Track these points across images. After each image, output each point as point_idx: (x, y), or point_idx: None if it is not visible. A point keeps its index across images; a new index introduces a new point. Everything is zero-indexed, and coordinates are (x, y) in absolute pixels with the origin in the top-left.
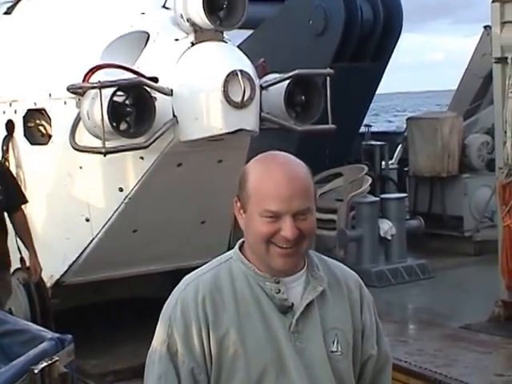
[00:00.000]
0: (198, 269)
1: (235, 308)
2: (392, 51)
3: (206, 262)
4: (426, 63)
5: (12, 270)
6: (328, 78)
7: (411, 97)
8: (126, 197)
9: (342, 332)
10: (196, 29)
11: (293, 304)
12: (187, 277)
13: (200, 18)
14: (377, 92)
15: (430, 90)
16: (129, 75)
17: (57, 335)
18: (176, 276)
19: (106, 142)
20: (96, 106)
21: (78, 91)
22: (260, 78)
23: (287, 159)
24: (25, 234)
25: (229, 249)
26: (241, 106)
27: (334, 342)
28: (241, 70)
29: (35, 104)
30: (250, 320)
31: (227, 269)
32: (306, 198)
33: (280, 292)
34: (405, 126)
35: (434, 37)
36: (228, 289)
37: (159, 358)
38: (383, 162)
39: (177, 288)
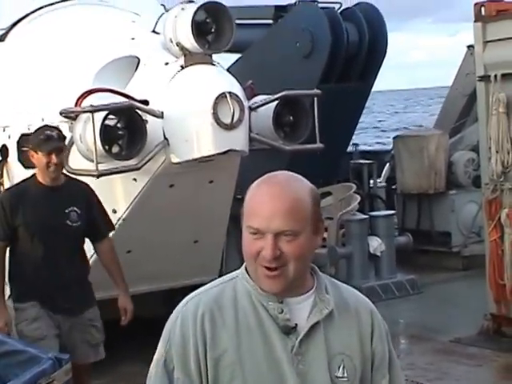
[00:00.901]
0: (205, 286)
1: (235, 327)
2: (377, 71)
3: (199, 282)
4: (409, 62)
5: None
6: (315, 98)
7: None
8: (120, 218)
9: (350, 358)
10: (185, 52)
11: (296, 325)
12: (192, 293)
13: (189, 42)
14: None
15: (418, 88)
16: (120, 99)
17: (54, 355)
18: (170, 295)
19: (99, 165)
20: (88, 130)
21: (70, 115)
22: (249, 99)
23: (283, 179)
24: (113, 266)
25: (221, 268)
26: (230, 127)
27: (339, 368)
28: (230, 92)
29: (28, 128)
30: (250, 340)
31: (232, 287)
32: (290, 219)
33: (283, 312)
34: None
35: (416, 36)
36: (230, 307)
37: (155, 373)
38: (371, 181)
39: (180, 303)
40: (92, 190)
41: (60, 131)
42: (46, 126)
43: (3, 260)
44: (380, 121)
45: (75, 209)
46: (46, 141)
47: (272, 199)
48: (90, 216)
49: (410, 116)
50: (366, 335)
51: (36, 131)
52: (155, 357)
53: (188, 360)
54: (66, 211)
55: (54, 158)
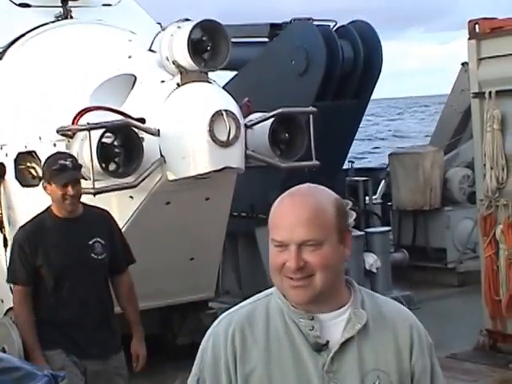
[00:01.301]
0: (239, 304)
1: (266, 344)
2: (373, 88)
3: (195, 300)
4: (402, 70)
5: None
6: (311, 115)
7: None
8: None
9: (386, 374)
10: (181, 70)
11: (328, 342)
12: (225, 312)
13: (185, 60)
14: None
15: (409, 96)
16: (117, 117)
17: (50, 372)
18: (165, 313)
19: (96, 183)
20: (85, 148)
21: (67, 133)
22: (245, 117)
23: (305, 190)
24: (130, 305)
25: (217, 286)
26: (226, 144)
27: None
28: (226, 110)
29: (26, 147)
30: (280, 357)
31: (265, 304)
32: (312, 228)
33: (313, 329)
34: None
35: (409, 45)
36: (261, 324)
37: None
38: (367, 197)
39: (214, 322)
40: (112, 216)
41: (74, 158)
42: (58, 153)
43: (30, 307)
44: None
45: (98, 239)
46: (61, 171)
47: (293, 210)
48: (112, 246)
49: (389, 124)
50: (405, 350)
51: (48, 160)
52: (191, 373)
53: (220, 379)
54: (90, 243)
55: (70, 190)
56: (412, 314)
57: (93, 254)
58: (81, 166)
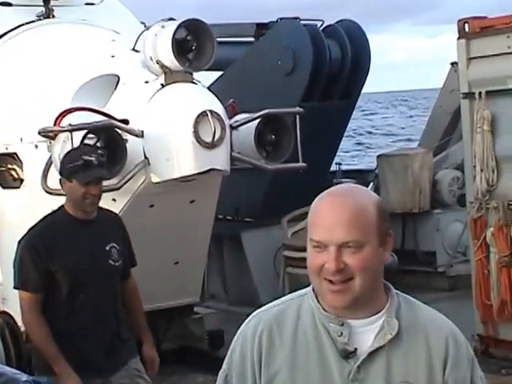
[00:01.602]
0: (272, 302)
1: (292, 347)
2: (361, 89)
3: (179, 304)
4: (391, 63)
5: None
6: (298, 116)
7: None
8: None
9: None
10: (165, 71)
11: (356, 349)
12: (257, 310)
13: (169, 60)
14: None
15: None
16: (100, 118)
17: (32, 378)
18: (150, 318)
19: None
20: (67, 149)
21: (49, 135)
22: (230, 118)
23: (346, 189)
24: (137, 309)
25: (202, 290)
26: (211, 146)
27: None
28: (211, 111)
29: (6, 148)
30: (306, 360)
31: (297, 304)
32: (353, 229)
33: (342, 335)
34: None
35: (397, 38)
36: (290, 325)
37: None
38: None
39: (245, 321)
40: (122, 219)
41: (99, 154)
42: (82, 146)
43: (43, 316)
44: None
45: (114, 245)
46: (85, 168)
47: (334, 209)
48: (124, 251)
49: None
50: (438, 362)
51: (70, 153)
52: (222, 368)
53: (246, 377)
54: (107, 248)
55: (92, 189)
56: (451, 323)
57: (110, 261)
58: (104, 163)
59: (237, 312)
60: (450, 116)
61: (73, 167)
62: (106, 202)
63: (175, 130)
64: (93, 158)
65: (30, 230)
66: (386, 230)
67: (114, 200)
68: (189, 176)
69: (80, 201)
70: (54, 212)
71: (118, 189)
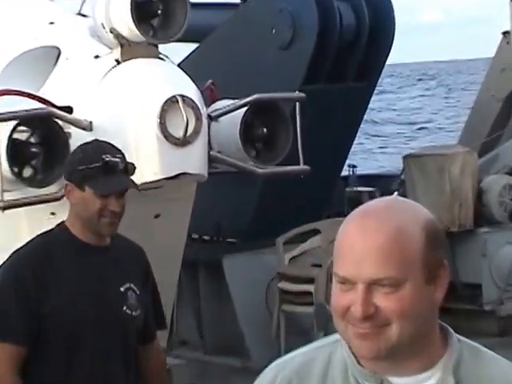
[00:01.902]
0: (300, 349)
1: None
2: (382, 67)
3: None
4: (423, 24)
5: None
6: (298, 103)
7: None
8: None
9: None
10: (122, 42)
11: None
12: (280, 359)
13: (127, 27)
14: None
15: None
16: (34, 104)
17: None
18: None
19: (6, 194)
20: None
21: None
22: (208, 105)
23: (383, 207)
24: (161, 380)
25: (170, 334)
26: (183, 142)
27: None
28: (182, 96)
29: None
30: None
31: (329, 351)
32: (388, 262)
33: None
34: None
35: None
36: (316, 377)
37: None
38: None
39: (264, 369)
40: (146, 255)
41: (123, 154)
42: (98, 142)
43: (19, 378)
44: None
45: (132, 286)
46: (106, 173)
47: (364, 236)
48: (145, 298)
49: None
50: None
51: (84, 149)
52: None
53: None
54: (122, 289)
55: (112, 203)
56: None
57: (126, 308)
58: (134, 168)
59: (215, 363)
60: (500, 104)
61: (88, 170)
62: (41, 217)
63: (134, 121)
64: (118, 160)
65: (13, 254)
66: (438, 261)
67: (52, 214)
68: (152, 182)
69: (94, 219)
70: (49, 231)
71: (59, 199)
